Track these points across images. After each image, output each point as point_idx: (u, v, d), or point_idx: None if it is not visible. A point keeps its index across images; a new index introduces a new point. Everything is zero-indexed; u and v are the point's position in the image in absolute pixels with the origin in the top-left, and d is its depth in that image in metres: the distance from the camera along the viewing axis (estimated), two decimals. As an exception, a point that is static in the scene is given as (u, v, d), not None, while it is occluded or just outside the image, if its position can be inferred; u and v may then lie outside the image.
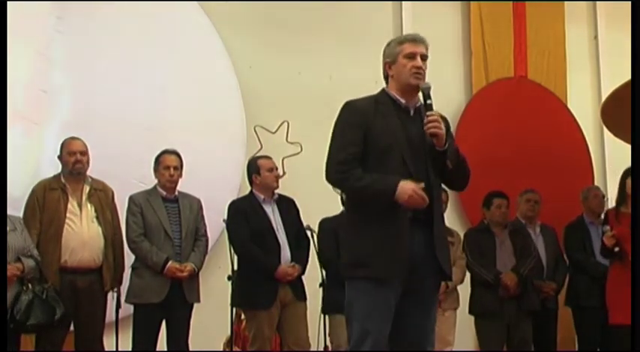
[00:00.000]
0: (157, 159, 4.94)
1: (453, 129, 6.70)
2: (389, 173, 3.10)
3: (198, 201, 5.01)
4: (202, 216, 5.00)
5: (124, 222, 4.90)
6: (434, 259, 3.15)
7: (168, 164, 4.89)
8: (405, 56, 3.21)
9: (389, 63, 3.26)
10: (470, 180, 3.35)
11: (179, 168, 4.92)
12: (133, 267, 4.83)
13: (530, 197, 5.99)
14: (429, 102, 3.15)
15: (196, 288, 4.89)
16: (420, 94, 3.22)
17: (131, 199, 4.87)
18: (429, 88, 3.18)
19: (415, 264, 3.11)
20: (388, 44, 3.29)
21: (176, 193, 4.95)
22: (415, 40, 3.25)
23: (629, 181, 4.89)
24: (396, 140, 3.15)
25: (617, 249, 4.77)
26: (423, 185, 3.04)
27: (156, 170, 4.93)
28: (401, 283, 3.11)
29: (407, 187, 3.02)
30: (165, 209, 4.86)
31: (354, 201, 3.25)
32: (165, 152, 4.95)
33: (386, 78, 3.31)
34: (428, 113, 3.12)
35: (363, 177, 3.11)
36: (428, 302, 3.23)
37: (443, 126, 3.12)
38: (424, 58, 3.24)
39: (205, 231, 5.01)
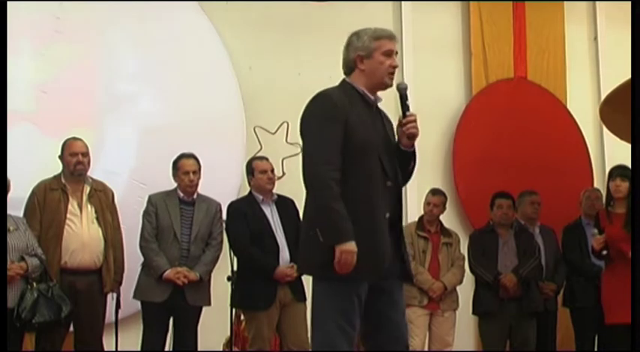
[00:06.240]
0: (175, 164, 4.95)
1: (452, 129, 6.90)
2: (367, 173, 3.02)
3: (217, 205, 5.01)
4: (219, 220, 4.98)
5: (123, 223, 4.92)
6: (399, 259, 3.12)
7: (187, 169, 4.90)
8: (383, 53, 3.12)
9: (362, 56, 3.14)
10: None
11: (198, 171, 4.94)
12: (143, 265, 4.89)
13: (535, 199, 5.98)
14: (407, 102, 3.12)
15: (202, 291, 4.90)
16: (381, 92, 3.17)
17: (148, 199, 4.93)
18: (406, 88, 3.15)
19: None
20: (357, 36, 3.17)
21: (194, 196, 4.96)
22: (392, 37, 3.16)
23: (611, 183, 4.98)
24: (371, 137, 3.07)
25: (604, 252, 4.80)
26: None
27: (175, 175, 4.95)
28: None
29: (350, 248, 2.88)
30: (180, 211, 4.88)
31: (315, 211, 3.05)
32: (183, 156, 4.96)
33: (350, 69, 3.20)
34: (408, 113, 3.09)
35: (338, 201, 2.92)
36: (399, 302, 3.18)
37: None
38: (396, 55, 3.18)
39: (219, 234, 4.98)
